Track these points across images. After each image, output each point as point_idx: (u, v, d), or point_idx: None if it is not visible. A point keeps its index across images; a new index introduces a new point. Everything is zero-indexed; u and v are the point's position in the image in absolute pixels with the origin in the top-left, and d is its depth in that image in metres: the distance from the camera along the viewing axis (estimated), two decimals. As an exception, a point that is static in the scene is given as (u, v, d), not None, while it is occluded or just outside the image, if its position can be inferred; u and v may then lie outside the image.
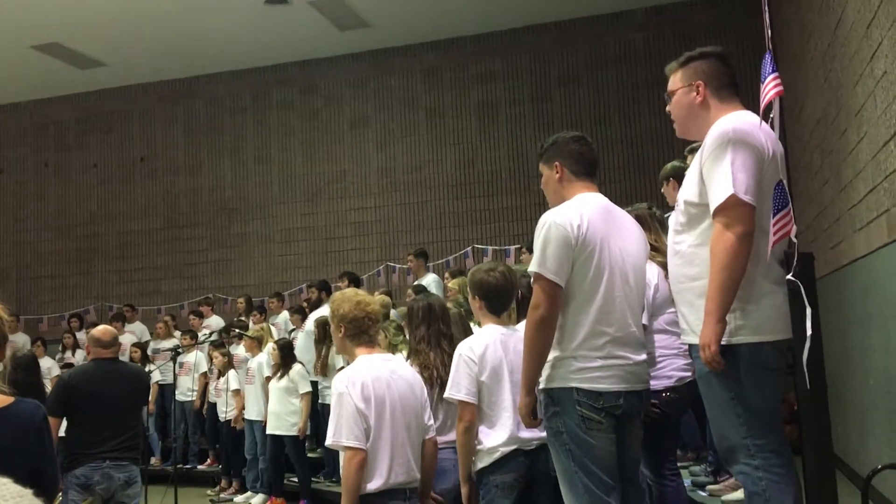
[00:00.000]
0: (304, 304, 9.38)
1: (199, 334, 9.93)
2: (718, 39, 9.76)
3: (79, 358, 10.53)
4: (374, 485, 3.14)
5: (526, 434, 3.30)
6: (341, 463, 3.19)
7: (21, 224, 13.21)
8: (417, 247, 9.86)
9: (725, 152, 2.57)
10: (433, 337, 3.99)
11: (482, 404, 3.39)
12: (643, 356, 3.03)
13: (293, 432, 7.66)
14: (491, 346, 3.43)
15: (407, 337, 5.91)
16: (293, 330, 9.20)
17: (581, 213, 2.95)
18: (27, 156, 13.32)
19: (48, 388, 6.28)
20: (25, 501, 0.85)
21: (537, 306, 2.88)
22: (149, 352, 10.06)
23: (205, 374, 9.63)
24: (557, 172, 3.15)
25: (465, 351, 3.45)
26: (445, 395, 3.48)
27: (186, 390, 9.50)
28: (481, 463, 3.38)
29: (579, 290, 2.92)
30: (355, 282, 8.72)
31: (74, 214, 12.98)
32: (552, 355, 2.93)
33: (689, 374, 3.76)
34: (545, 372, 2.94)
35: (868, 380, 4.73)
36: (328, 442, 3.19)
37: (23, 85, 12.41)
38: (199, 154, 12.54)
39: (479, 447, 3.39)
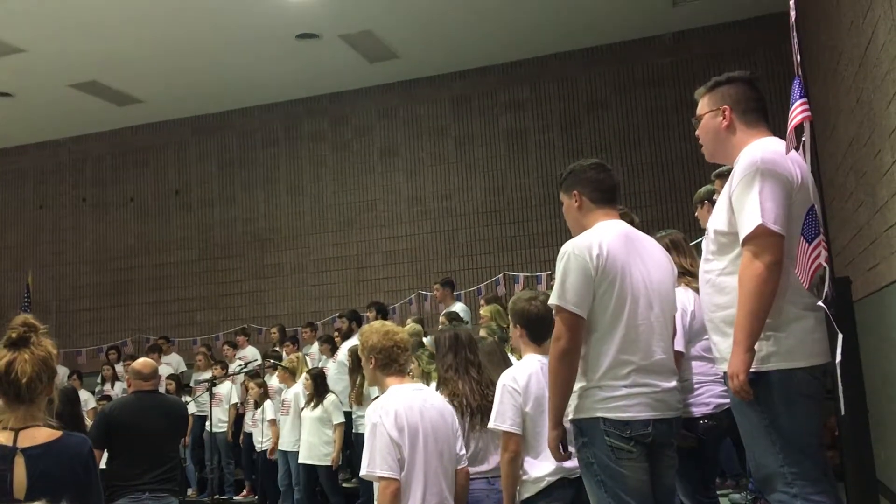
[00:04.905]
0: (336, 334, 9.43)
1: (234, 365, 10.02)
2: (747, 63, 9.74)
3: (118, 390, 10.67)
4: None
5: (570, 463, 3.29)
6: (375, 493, 3.21)
7: (60, 258, 13.45)
8: (444, 276, 9.88)
9: (754, 182, 2.58)
10: (461, 365, 4.02)
11: (526, 434, 3.39)
12: (672, 383, 3.01)
13: (326, 462, 7.67)
14: (534, 376, 3.43)
15: (439, 365, 5.95)
16: (323, 359, 9.25)
17: (600, 241, 2.95)
18: (66, 191, 13.60)
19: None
20: None
21: (559, 338, 2.89)
22: (192, 383, 10.17)
23: (235, 406, 9.71)
24: (576, 201, 3.17)
25: (509, 381, 3.45)
26: (490, 425, 3.49)
27: (218, 421, 9.58)
28: (527, 493, 3.38)
29: (602, 320, 2.92)
30: (383, 311, 8.74)
31: (112, 248, 13.20)
32: (578, 386, 2.93)
33: (726, 400, 3.72)
34: (572, 403, 2.94)
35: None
36: (362, 472, 3.21)
37: (61, 122, 12.71)
38: (233, 186, 12.72)
39: (524, 477, 3.39)
